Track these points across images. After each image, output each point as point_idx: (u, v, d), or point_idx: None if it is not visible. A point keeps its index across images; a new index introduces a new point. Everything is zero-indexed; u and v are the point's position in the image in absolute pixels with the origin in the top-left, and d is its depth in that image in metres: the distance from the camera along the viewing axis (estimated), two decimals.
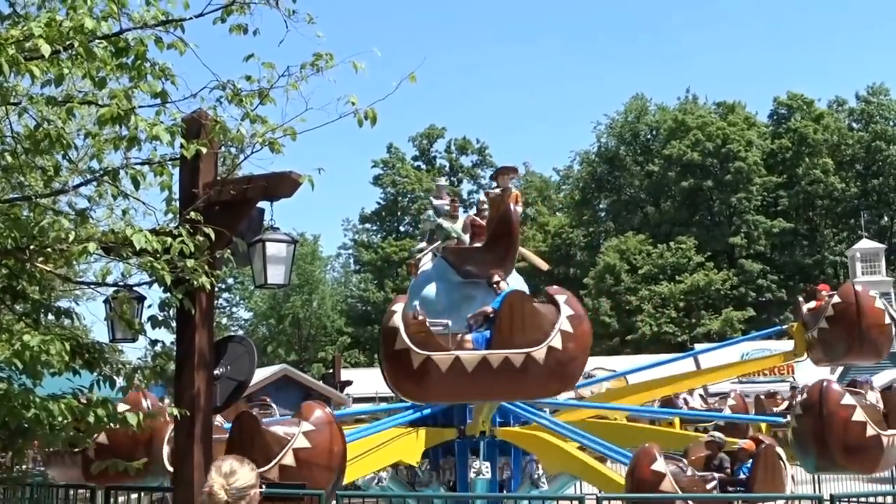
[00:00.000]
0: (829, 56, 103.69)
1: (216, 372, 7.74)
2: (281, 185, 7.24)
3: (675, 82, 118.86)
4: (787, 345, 19.98)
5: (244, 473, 3.93)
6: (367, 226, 78.41)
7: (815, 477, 23.97)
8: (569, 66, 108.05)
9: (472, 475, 13.54)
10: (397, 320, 11.33)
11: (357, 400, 41.12)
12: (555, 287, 12.26)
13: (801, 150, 65.98)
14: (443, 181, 18.45)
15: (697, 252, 61.59)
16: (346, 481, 12.25)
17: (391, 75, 6.71)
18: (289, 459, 9.29)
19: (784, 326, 18.93)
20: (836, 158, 66.44)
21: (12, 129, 6.34)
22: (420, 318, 11.45)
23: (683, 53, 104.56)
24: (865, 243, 52.15)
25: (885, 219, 67.39)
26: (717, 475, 11.83)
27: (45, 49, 5.42)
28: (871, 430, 12.30)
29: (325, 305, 69.88)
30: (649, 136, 71.82)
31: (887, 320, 15.24)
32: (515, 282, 16.82)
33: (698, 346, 34.21)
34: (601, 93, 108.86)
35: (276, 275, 7.58)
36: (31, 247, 6.42)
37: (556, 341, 10.73)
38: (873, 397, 13.59)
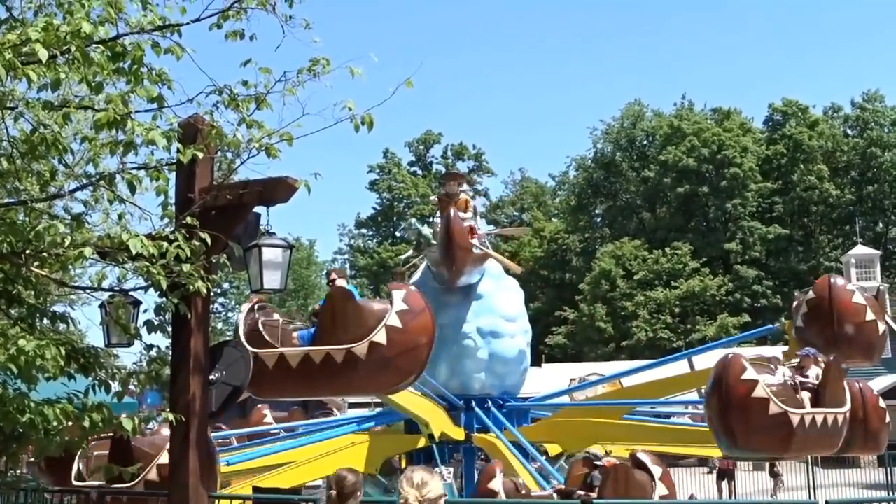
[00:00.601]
0: (824, 63, 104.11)
1: (211, 377, 7.74)
2: (277, 190, 7.26)
3: (671, 88, 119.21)
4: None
5: (435, 484, 4.12)
6: (363, 231, 78.43)
7: (811, 482, 24.06)
8: (565, 72, 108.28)
9: None
10: (239, 320, 11.55)
11: (353, 405, 41.10)
12: (396, 283, 12.24)
13: (797, 157, 66.12)
14: (468, 188, 18.62)
15: (693, 258, 61.62)
16: (288, 485, 12.65)
17: (388, 81, 6.73)
18: (153, 474, 9.65)
19: (776, 326, 18.49)
20: (832, 165, 66.56)
21: (8, 134, 6.33)
22: (255, 317, 11.52)
23: (680, 59, 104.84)
24: (860, 249, 52.20)
25: (881, 225, 67.51)
26: (581, 492, 11.85)
27: (43, 53, 5.42)
28: (774, 408, 11.22)
29: None
30: (645, 142, 71.90)
31: (869, 317, 13.90)
32: (510, 286, 16.87)
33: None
34: (598, 98, 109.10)
35: (272, 280, 7.59)
36: (27, 251, 6.40)
37: (380, 337, 10.57)
38: (814, 373, 12.26)
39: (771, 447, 11.91)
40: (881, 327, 14.16)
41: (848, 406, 12.11)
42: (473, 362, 15.65)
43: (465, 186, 17.10)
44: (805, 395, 11.80)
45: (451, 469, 13.83)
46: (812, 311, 14.12)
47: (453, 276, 14.66)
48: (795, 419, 11.28)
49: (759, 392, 11.22)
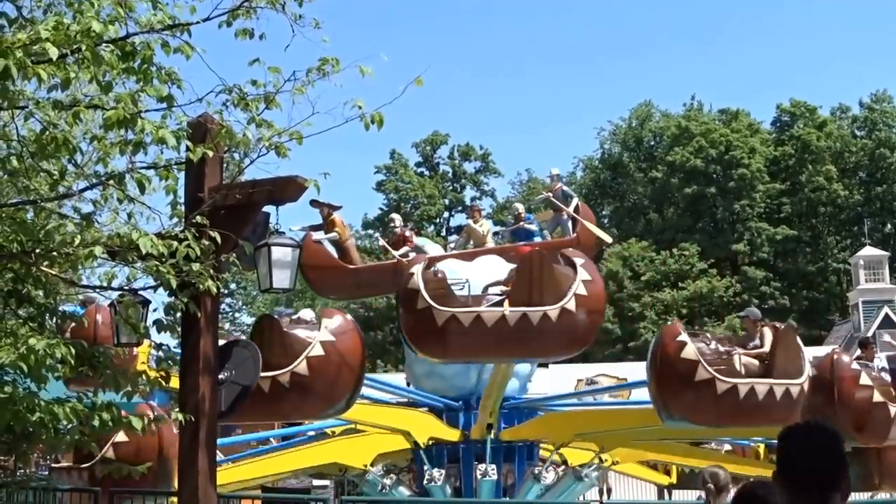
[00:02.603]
0: (832, 63, 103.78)
1: (220, 376, 7.74)
2: (287, 189, 7.25)
3: (680, 89, 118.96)
4: None
5: None
6: (370, 231, 78.37)
7: None
8: (573, 73, 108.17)
9: (478, 476, 13.64)
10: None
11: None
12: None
13: (805, 158, 65.97)
14: (556, 171, 17.99)
15: (700, 259, 61.49)
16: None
17: (396, 81, 6.72)
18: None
19: None
20: (840, 166, 66.41)
21: (18, 133, 6.35)
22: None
23: (689, 60, 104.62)
24: (869, 251, 52.06)
25: (889, 226, 67.27)
26: None
27: (53, 52, 5.42)
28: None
29: None
30: (653, 143, 71.83)
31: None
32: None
33: None
34: (605, 99, 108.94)
35: (281, 279, 7.60)
36: (37, 250, 6.42)
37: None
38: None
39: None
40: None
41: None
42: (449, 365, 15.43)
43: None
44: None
45: (494, 466, 13.83)
46: None
47: (318, 291, 14.84)
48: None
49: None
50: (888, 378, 12.38)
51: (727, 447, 17.90)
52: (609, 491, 25.78)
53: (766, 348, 11.94)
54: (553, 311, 11.08)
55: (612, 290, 60.42)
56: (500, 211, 77.92)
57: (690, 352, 11.14)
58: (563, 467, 15.23)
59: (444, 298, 11.40)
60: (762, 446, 17.28)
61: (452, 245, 17.44)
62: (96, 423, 6.51)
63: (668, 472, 19.48)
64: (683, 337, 11.36)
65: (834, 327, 55.06)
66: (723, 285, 60.07)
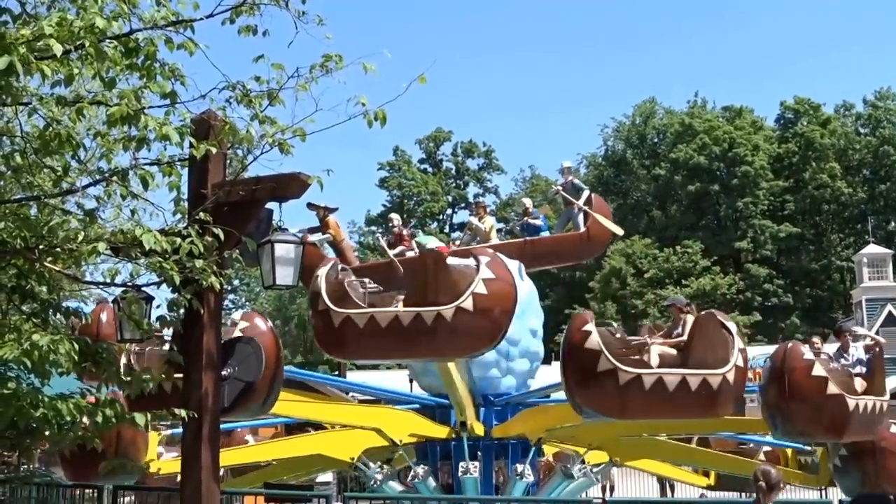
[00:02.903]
0: (836, 61, 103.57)
1: (223, 373, 7.74)
2: (290, 186, 7.26)
3: (683, 86, 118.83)
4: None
5: None
6: (373, 228, 78.37)
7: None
8: (576, 70, 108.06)
9: (460, 474, 13.70)
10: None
11: (362, 402, 41.16)
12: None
13: (808, 155, 65.89)
14: (567, 164, 17.80)
15: (704, 256, 61.44)
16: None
17: (399, 78, 6.73)
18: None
19: None
20: (844, 163, 66.33)
21: (22, 129, 6.36)
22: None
23: (692, 57, 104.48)
24: (872, 248, 51.98)
25: (893, 224, 67.19)
26: None
27: (57, 48, 5.42)
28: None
29: None
30: (656, 140, 71.75)
31: None
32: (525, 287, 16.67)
33: None
34: (609, 96, 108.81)
35: (284, 276, 7.59)
36: (40, 246, 6.43)
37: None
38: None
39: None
40: None
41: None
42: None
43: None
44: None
45: (476, 463, 13.81)
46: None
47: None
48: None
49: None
50: (862, 369, 11.82)
51: (766, 448, 17.51)
52: (612, 488, 25.71)
53: (685, 337, 11.51)
54: (447, 310, 10.70)
55: (615, 287, 60.46)
56: (504, 208, 78.00)
57: (594, 342, 10.71)
58: (546, 461, 15.10)
59: (342, 300, 11.28)
60: (790, 450, 17.00)
61: (457, 242, 17.41)
62: (99, 419, 6.52)
63: (706, 474, 19.22)
64: (589, 327, 10.90)
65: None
66: (726, 283, 60.01)
